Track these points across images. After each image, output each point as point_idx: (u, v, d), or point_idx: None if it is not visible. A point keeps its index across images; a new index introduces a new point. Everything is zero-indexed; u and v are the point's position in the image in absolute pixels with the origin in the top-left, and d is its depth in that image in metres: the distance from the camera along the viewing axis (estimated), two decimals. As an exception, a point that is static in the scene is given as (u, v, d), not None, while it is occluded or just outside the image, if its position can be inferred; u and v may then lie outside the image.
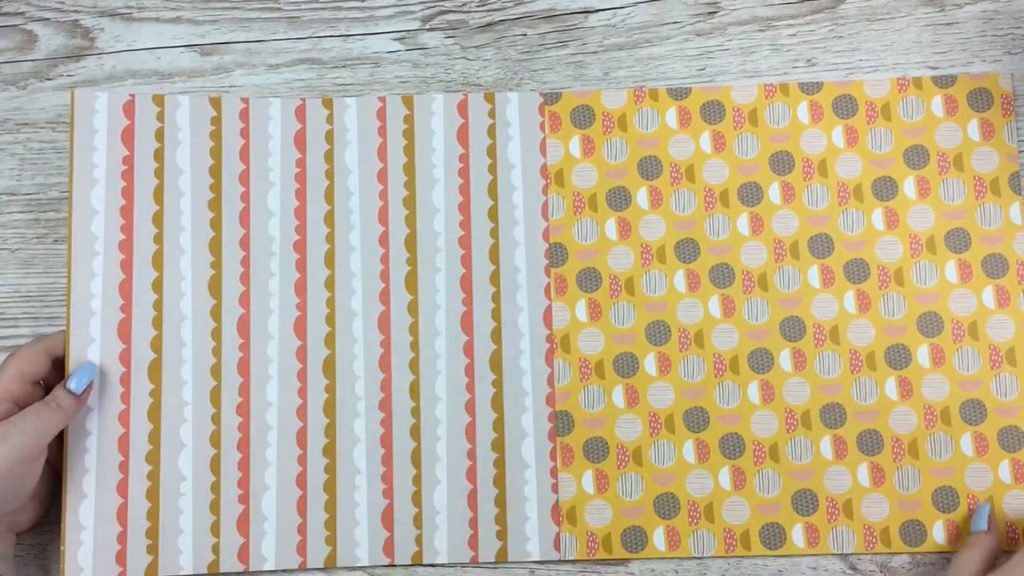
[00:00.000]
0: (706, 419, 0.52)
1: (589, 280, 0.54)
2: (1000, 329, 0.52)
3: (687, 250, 0.54)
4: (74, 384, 0.49)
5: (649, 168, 0.55)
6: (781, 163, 0.54)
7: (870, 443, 0.52)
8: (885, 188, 0.54)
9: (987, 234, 0.53)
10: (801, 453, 0.52)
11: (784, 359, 0.53)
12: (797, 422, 0.52)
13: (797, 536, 0.51)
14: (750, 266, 0.54)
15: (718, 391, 0.52)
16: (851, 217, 0.54)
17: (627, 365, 0.53)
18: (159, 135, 0.55)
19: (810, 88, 0.55)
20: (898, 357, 0.52)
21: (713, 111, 0.55)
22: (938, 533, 0.51)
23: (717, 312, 0.53)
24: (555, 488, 0.52)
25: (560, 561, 0.52)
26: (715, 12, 0.57)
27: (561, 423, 0.52)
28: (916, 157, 0.54)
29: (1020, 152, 0.54)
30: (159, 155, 0.54)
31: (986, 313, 0.52)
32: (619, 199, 0.55)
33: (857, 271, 0.53)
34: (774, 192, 0.54)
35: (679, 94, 0.55)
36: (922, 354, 0.52)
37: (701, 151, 0.55)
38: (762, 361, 0.53)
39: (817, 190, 0.54)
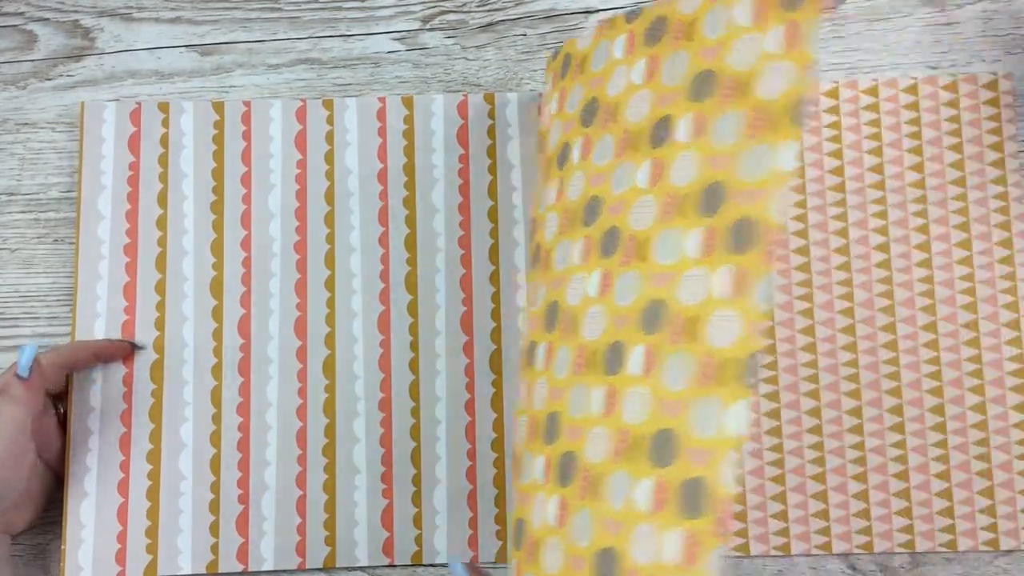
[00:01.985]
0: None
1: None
2: (724, 330, 0.34)
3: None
4: (21, 369, 0.47)
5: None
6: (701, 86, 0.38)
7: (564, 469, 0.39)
8: (659, 132, 0.39)
9: (744, 188, 0.35)
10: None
11: (539, 351, 0.42)
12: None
13: None
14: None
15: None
16: (623, 174, 0.40)
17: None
18: (164, 140, 0.55)
19: None
20: (614, 358, 0.38)
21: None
22: (635, 357, 0.36)
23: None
24: (554, 488, 0.52)
25: (559, 561, 0.52)
26: (715, 12, 0.57)
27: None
28: (701, 86, 0.38)
29: (1020, 152, 0.54)
30: (163, 160, 0.55)
31: (711, 306, 0.34)
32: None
33: (609, 242, 0.40)
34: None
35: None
36: (635, 358, 0.37)
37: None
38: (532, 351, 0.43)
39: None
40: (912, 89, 0.55)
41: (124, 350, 0.52)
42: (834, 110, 0.55)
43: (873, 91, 0.55)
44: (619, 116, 0.42)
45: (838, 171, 0.54)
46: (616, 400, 0.37)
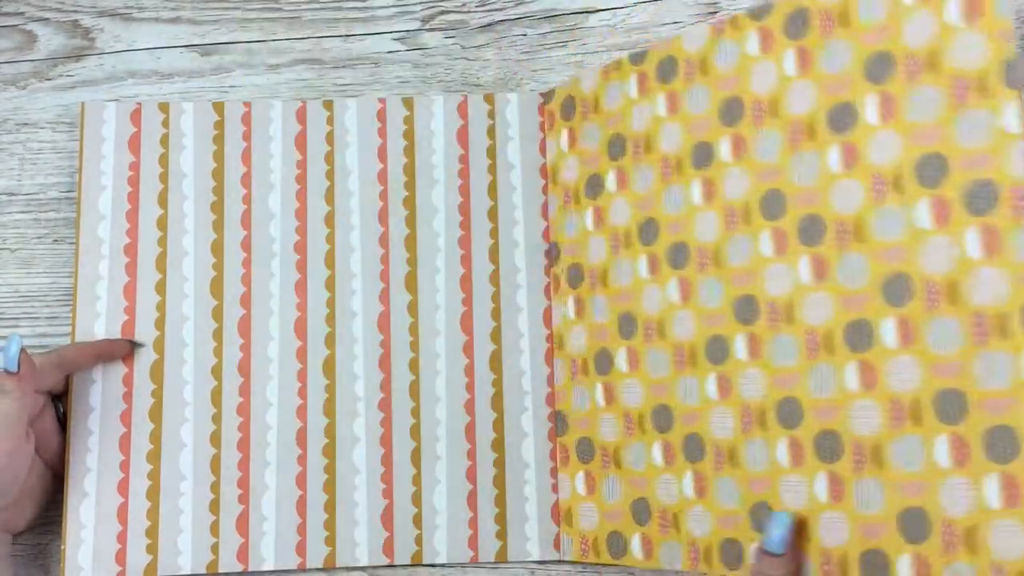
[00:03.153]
0: (671, 418, 0.47)
1: (575, 275, 0.53)
2: (985, 289, 0.38)
3: (648, 231, 0.49)
4: (9, 363, 0.45)
5: (615, 148, 0.51)
6: (731, 112, 0.46)
7: (829, 447, 0.42)
8: (842, 117, 0.42)
9: (969, 154, 0.39)
10: (758, 457, 0.44)
11: (739, 346, 0.45)
12: (752, 421, 0.44)
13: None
14: (704, 241, 0.47)
15: (680, 386, 0.47)
16: (804, 163, 0.44)
17: (603, 361, 0.51)
18: (164, 141, 0.55)
19: (759, 14, 0.46)
20: (859, 336, 0.41)
21: (668, 68, 0.49)
22: (904, 569, 0.39)
23: (676, 297, 0.48)
24: (555, 488, 0.52)
25: (560, 561, 0.52)
26: (715, 12, 0.57)
27: (560, 423, 0.53)
28: (878, 68, 0.42)
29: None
30: (164, 160, 0.55)
31: (968, 266, 0.38)
32: (594, 186, 0.52)
33: (811, 230, 0.43)
34: (725, 148, 0.46)
35: (636, 59, 0.51)
36: (887, 330, 0.40)
37: (658, 117, 0.49)
38: (718, 350, 0.46)
39: (768, 136, 0.45)
40: None
41: (123, 349, 0.52)
42: None
43: None
44: (653, 147, 0.49)
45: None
46: (876, 373, 0.40)
